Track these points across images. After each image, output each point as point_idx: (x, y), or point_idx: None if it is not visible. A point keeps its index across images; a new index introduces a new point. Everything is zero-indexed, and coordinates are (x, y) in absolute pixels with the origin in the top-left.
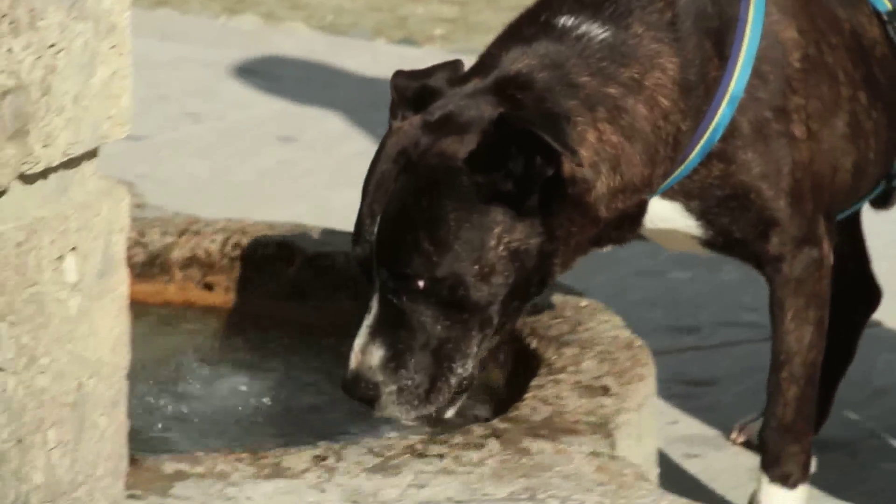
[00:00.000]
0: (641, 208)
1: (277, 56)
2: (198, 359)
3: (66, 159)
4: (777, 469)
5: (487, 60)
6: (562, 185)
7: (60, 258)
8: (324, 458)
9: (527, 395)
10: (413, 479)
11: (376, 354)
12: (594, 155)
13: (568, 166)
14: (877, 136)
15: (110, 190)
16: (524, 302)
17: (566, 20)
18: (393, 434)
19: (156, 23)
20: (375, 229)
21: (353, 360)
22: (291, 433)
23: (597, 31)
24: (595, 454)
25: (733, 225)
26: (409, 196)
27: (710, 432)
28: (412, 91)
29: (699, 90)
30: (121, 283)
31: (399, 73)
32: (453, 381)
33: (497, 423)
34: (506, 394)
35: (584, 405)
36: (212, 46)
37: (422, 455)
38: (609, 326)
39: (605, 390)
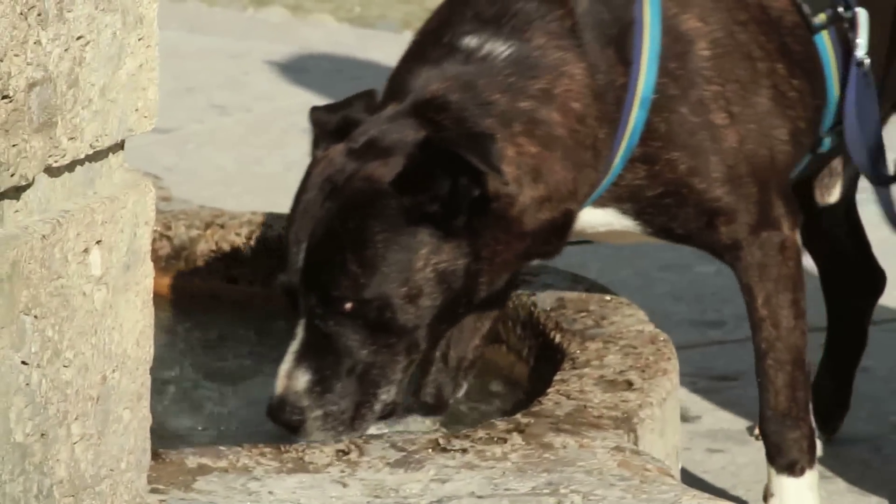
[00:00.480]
0: (568, 219)
1: (305, 48)
2: (222, 351)
3: (92, 152)
4: (782, 459)
5: (399, 85)
6: (487, 204)
7: (86, 251)
8: (346, 453)
9: (550, 390)
10: (435, 473)
11: (302, 379)
12: (515, 169)
13: (493, 185)
14: (803, 104)
15: (136, 183)
16: (450, 324)
17: (469, 40)
18: (422, 422)
19: (183, 15)
20: (302, 256)
21: (279, 385)
22: None
23: (500, 49)
24: (618, 449)
25: (672, 222)
26: (335, 220)
27: (733, 427)
28: (333, 123)
29: (609, 97)
30: (146, 277)
31: (316, 108)
32: (377, 407)
33: (520, 418)
34: (529, 388)
35: (607, 399)
36: (239, 39)
37: (444, 450)
38: (633, 321)
39: (629, 385)
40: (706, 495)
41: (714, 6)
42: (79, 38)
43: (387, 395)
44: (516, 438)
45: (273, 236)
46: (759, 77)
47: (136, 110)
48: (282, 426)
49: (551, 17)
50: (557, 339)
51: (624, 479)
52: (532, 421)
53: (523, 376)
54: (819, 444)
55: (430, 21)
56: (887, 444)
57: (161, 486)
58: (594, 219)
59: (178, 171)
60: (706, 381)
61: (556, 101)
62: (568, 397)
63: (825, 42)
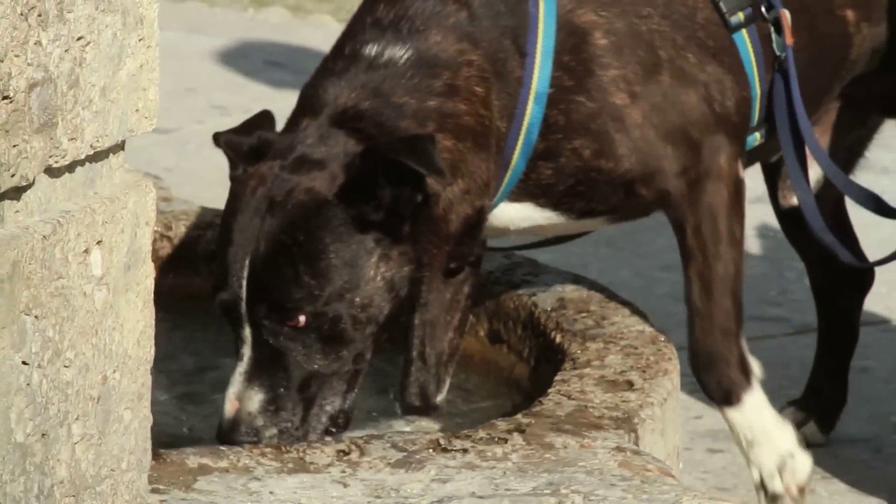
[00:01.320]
0: (481, 216)
1: (305, 49)
2: (222, 352)
3: (93, 152)
4: (720, 392)
5: (309, 101)
6: (425, 208)
7: (86, 251)
8: (347, 453)
9: (551, 390)
10: (436, 473)
11: (255, 399)
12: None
13: (431, 188)
14: (721, 87)
15: (137, 183)
16: (392, 333)
17: (370, 48)
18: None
19: (184, 15)
20: (245, 273)
21: (230, 408)
22: None
23: (400, 53)
24: (619, 449)
25: (592, 203)
26: (282, 234)
27: None
28: (247, 145)
29: (509, 86)
30: (146, 277)
31: (222, 133)
32: (325, 419)
33: (521, 418)
34: (530, 388)
35: (608, 400)
36: (240, 39)
37: (445, 450)
38: (634, 321)
39: (630, 385)
40: (707, 495)
41: (613, 1)
42: (79, 38)
43: (335, 406)
44: (517, 438)
45: None
46: (660, 62)
47: (137, 111)
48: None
49: (446, 12)
50: (558, 339)
51: (625, 479)
52: (533, 421)
53: (524, 376)
54: (821, 438)
55: (339, 38)
56: (888, 444)
57: (162, 486)
58: (514, 213)
59: (179, 171)
60: None
61: (460, 91)
62: (569, 397)
63: (744, 39)
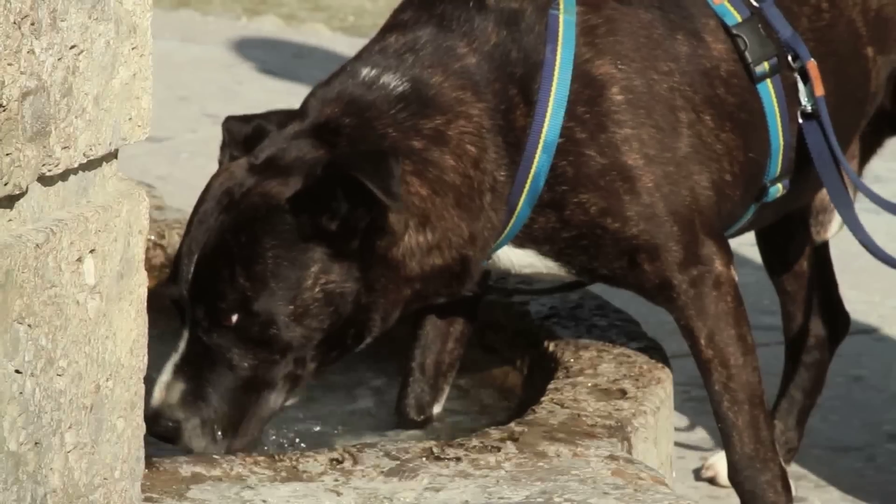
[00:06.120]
0: (466, 265)
1: (298, 58)
2: None
3: (86, 161)
4: None
5: (304, 106)
6: (377, 237)
7: (79, 260)
8: (340, 462)
9: (544, 398)
10: (429, 482)
11: (177, 390)
12: (403, 210)
13: (390, 217)
14: (730, 158)
15: (130, 192)
16: (341, 352)
17: (367, 71)
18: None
19: (177, 24)
20: (192, 267)
21: (156, 397)
22: (310, 436)
23: (395, 83)
24: (612, 457)
25: (593, 262)
26: (228, 233)
27: None
28: (243, 134)
29: (510, 137)
30: (140, 285)
31: (231, 118)
32: (256, 420)
33: (514, 427)
34: (523, 397)
35: (601, 408)
36: (233, 48)
37: (438, 458)
38: (627, 329)
39: (623, 393)
40: None
41: (633, 55)
42: (72, 47)
43: (263, 409)
44: (510, 447)
45: None
46: (679, 126)
47: (130, 119)
48: (156, 437)
49: (455, 55)
50: (551, 347)
51: (618, 487)
52: (526, 430)
53: (517, 385)
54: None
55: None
56: (881, 453)
57: (155, 495)
58: (516, 259)
59: (172, 180)
60: (700, 389)
61: (450, 143)
62: (562, 406)
63: (769, 90)
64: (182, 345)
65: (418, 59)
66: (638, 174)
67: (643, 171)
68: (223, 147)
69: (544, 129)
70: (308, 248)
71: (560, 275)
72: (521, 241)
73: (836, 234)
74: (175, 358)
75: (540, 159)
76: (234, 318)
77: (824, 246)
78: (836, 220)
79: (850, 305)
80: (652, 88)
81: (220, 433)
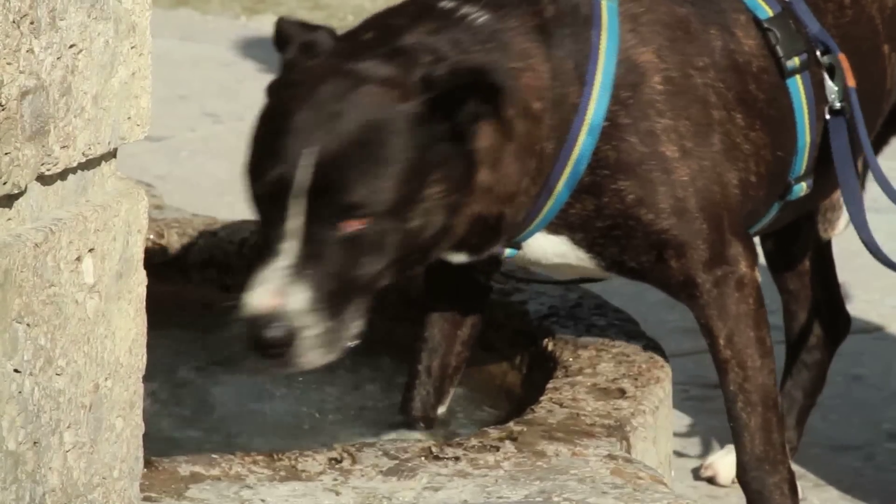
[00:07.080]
0: (497, 223)
1: None
2: (214, 361)
3: (85, 160)
4: None
5: (377, 32)
6: (471, 164)
7: (78, 259)
8: (339, 461)
9: (543, 398)
10: (428, 481)
11: (301, 296)
12: (489, 145)
13: (487, 139)
14: (757, 158)
15: (129, 191)
16: (401, 273)
17: (446, 3)
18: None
19: (176, 23)
20: (314, 158)
21: (268, 303)
22: (308, 435)
23: (476, 14)
24: (611, 457)
25: (623, 254)
26: (363, 132)
27: (725, 436)
28: (304, 37)
29: (563, 110)
30: (139, 285)
31: (283, 20)
32: (354, 330)
33: (513, 426)
34: (522, 396)
35: (600, 408)
36: (232, 47)
37: (437, 457)
38: (626, 329)
39: (622, 393)
40: (699, 503)
41: (673, 46)
42: (71, 46)
43: (359, 324)
44: (509, 446)
45: None
46: (712, 122)
47: (129, 118)
48: (263, 347)
49: (522, 10)
50: (550, 346)
51: (616, 486)
52: (525, 429)
53: (516, 384)
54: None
55: None
56: (880, 452)
57: (153, 495)
58: (549, 246)
59: (171, 179)
60: (699, 388)
61: (518, 92)
62: (560, 405)
63: (798, 86)
64: (292, 244)
65: (492, 2)
66: (674, 166)
67: (679, 164)
68: (281, 43)
69: (590, 111)
70: (435, 156)
71: (587, 269)
72: (556, 227)
73: (842, 231)
74: (285, 259)
75: (584, 141)
76: (365, 217)
77: (827, 245)
78: (844, 217)
79: (849, 304)
80: (689, 82)
81: (325, 347)
